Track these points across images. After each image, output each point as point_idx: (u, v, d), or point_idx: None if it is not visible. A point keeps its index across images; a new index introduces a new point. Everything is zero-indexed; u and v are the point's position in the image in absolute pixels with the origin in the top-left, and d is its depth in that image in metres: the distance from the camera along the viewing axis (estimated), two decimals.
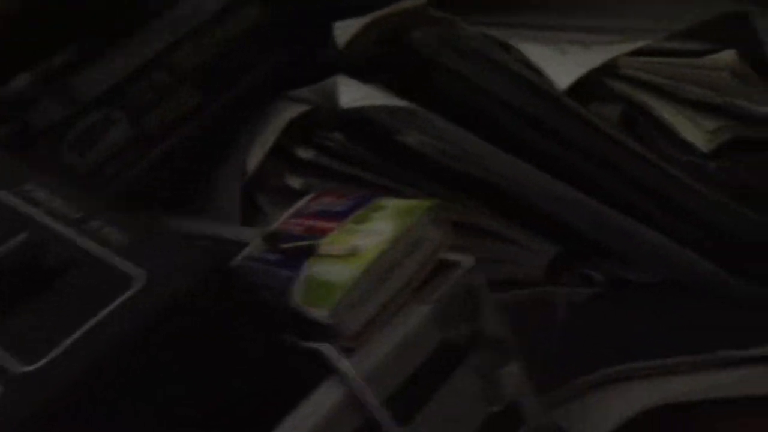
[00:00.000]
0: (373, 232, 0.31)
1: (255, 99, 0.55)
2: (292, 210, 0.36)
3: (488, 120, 0.49)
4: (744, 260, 0.52)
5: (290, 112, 0.52)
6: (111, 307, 0.28)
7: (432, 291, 0.30)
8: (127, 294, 0.28)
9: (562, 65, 0.44)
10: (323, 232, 0.33)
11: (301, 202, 0.36)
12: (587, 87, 0.48)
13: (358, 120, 0.49)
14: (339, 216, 0.33)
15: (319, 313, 0.30)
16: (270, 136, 0.51)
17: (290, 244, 0.33)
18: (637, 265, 0.53)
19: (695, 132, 0.41)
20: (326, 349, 0.28)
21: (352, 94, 0.43)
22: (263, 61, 0.56)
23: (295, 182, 0.49)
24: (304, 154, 0.49)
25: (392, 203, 0.32)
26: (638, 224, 0.49)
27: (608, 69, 0.44)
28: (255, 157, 0.50)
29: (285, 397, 0.29)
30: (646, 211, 0.50)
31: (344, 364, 0.28)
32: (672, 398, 0.40)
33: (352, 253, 0.30)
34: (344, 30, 0.50)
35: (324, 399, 0.28)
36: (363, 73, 0.49)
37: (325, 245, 0.32)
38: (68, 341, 0.26)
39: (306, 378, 0.30)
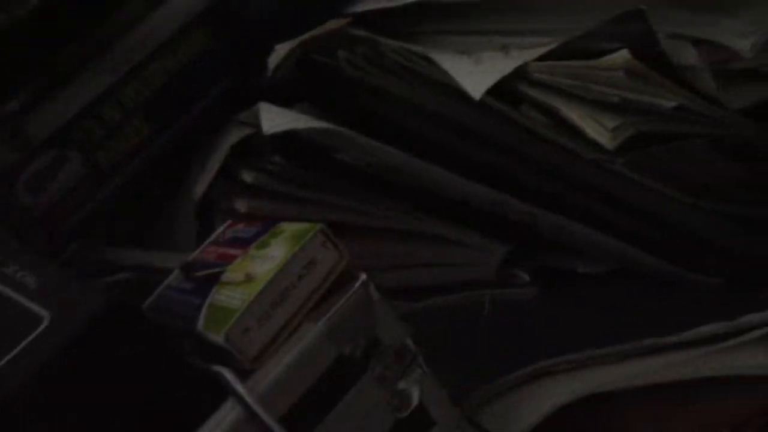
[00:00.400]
0: (269, 257, 0.33)
1: (206, 125, 0.57)
2: (211, 238, 0.38)
3: (419, 133, 0.50)
4: (685, 250, 0.53)
5: (234, 136, 0.53)
6: (18, 347, 0.30)
7: (326, 310, 0.32)
8: (33, 334, 0.30)
9: (475, 75, 0.45)
10: (231, 259, 0.35)
11: (218, 230, 0.38)
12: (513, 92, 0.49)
13: (297, 140, 0.51)
14: (245, 243, 0.35)
15: (217, 337, 0.31)
16: (215, 161, 0.53)
17: (202, 273, 0.35)
18: (586, 258, 0.55)
19: (599, 130, 0.42)
20: (225, 372, 0.30)
21: (274, 119, 0.44)
22: (213, 87, 0.58)
23: (241, 205, 0.51)
24: (247, 177, 0.51)
25: (290, 228, 0.34)
26: (571, 221, 0.50)
27: (520, 74, 0.45)
28: (201, 183, 0.52)
29: (192, 420, 0.31)
30: (584, 207, 0.51)
31: (239, 386, 0.29)
32: (593, 389, 0.41)
33: (247, 280, 0.32)
34: (277, 54, 0.52)
35: (222, 420, 0.30)
36: (293, 96, 0.51)
37: (228, 272, 0.33)
38: None
39: (213, 400, 0.31)
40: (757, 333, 0.44)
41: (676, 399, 0.42)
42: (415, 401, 0.34)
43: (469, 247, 0.53)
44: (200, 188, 0.52)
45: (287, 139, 0.50)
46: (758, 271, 0.51)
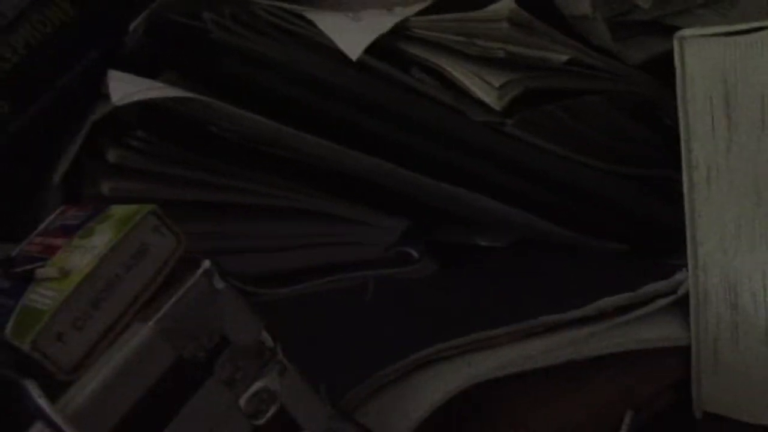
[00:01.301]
0: (91, 247, 0.28)
1: (74, 101, 0.51)
2: (40, 227, 0.32)
3: (297, 101, 0.45)
4: (587, 215, 0.49)
5: (98, 112, 0.48)
6: None
7: (160, 306, 0.27)
8: None
9: (353, 33, 0.40)
10: (54, 251, 0.29)
11: (49, 218, 0.32)
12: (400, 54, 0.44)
13: (164, 113, 0.45)
14: (71, 231, 0.30)
15: (24, 345, 0.26)
16: (77, 141, 0.47)
17: (20, 269, 0.29)
18: (488, 230, 0.51)
19: (486, 89, 0.37)
20: (29, 386, 0.25)
21: (125, 89, 0.39)
22: (78, 60, 0.52)
23: (104, 188, 0.45)
24: (111, 156, 0.46)
25: (119, 211, 0.28)
26: (467, 191, 0.45)
27: (402, 32, 0.40)
28: (62, 166, 0.46)
29: None
30: (479, 174, 0.47)
31: (45, 404, 0.24)
32: (483, 376, 0.36)
33: (63, 276, 0.27)
34: (140, 20, 0.46)
35: None
36: (161, 65, 0.46)
37: (46, 267, 0.28)
38: None
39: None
40: (661, 302, 0.40)
41: (570, 380, 0.37)
42: (274, 405, 0.29)
43: (363, 224, 0.48)
44: (60, 171, 0.46)
45: (153, 111, 0.45)
46: (664, 235, 0.48)
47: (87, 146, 0.45)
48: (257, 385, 0.28)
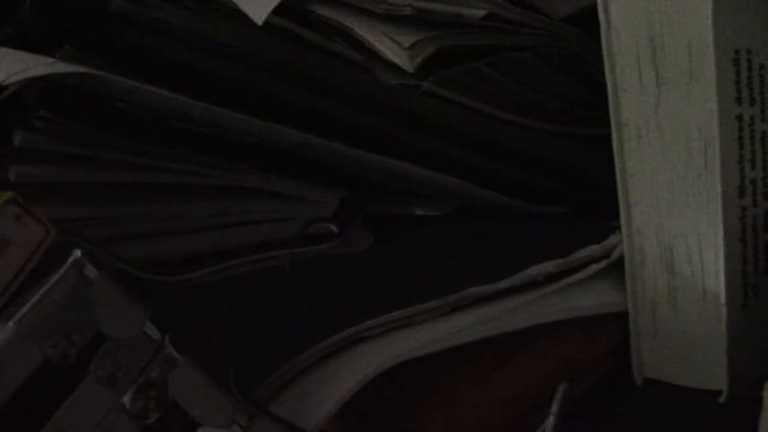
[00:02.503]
0: None
1: None
2: None
3: (204, 70, 0.42)
4: (522, 178, 0.46)
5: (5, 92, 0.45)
6: None
7: (23, 303, 0.24)
8: None
9: None
10: None
11: None
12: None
13: (67, 90, 0.42)
14: None
15: None
16: None
17: None
18: (423, 199, 0.48)
19: (396, 50, 0.34)
20: None
21: (10, 67, 0.36)
22: None
23: (11, 173, 0.43)
24: (16, 139, 0.43)
25: None
26: (394, 159, 0.43)
27: None
28: None
29: None
30: (405, 140, 0.44)
31: None
32: (408, 354, 0.33)
33: None
34: None
35: None
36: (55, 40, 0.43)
37: None
38: None
39: None
40: (595, 267, 0.38)
41: (502, 353, 0.34)
42: (164, 403, 0.27)
43: (295, 199, 0.46)
44: None
45: (56, 90, 0.42)
46: (604, 196, 0.46)
47: None
48: (142, 382, 0.26)
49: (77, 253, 0.24)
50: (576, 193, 0.45)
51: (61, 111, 0.40)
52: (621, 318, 0.37)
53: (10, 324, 0.23)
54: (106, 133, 0.41)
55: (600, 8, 0.35)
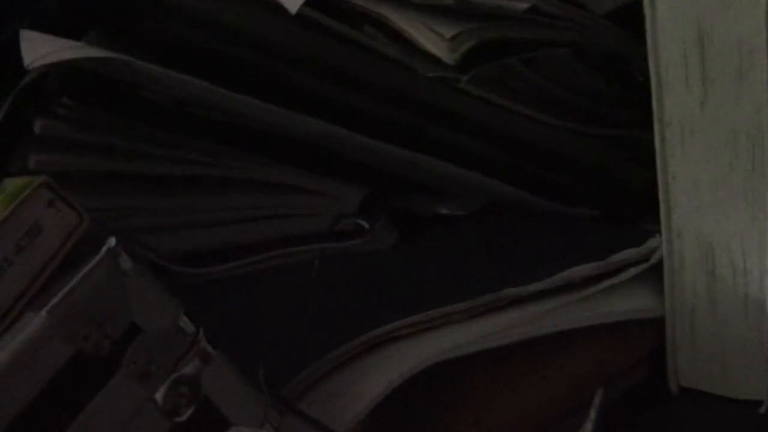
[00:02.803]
0: None
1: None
2: None
3: (233, 59, 0.41)
4: (552, 178, 0.45)
5: (27, 78, 0.44)
6: None
7: (55, 292, 0.23)
8: None
9: None
10: None
11: None
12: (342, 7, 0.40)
13: (90, 77, 0.41)
14: None
15: None
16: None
17: None
18: (448, 198, 0.47)
19: (436, 41, 0.33)
20: None
21: (36, 50, 0.34)
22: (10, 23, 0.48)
23: (31, 161, 0.41)
24: (37, 127, 0.42)
25: (12, 184, 0.25)
26: (422, 155, 0.42)
27: None
28: None
29: None
30: (435, 136, 0.43)
31: None
32: (441, 356, 0.32)
33: None
34: None
35: None
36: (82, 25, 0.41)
37: None
38: None
39: None
40: (633, 271, 0.37)
41: (535, 357, 0.33)
42: (198, 399, 0.25)
43: (318, 194, 0.44)
44: None
45: (78, 76, 0.40)
46: (634, 198, 0.44)
47: (16, 118, 0.42)
48: (175, 378, 0.25)
49: (112, 241, 0.23)
50: (604, 195, 0.44)
51: (83, 98, 0.40)
52: (659, 323, 0.36)
53: (42, 313, 0.22)
54: (128, 122, 0.40)
55: (646, 3, 0.34)
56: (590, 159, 0.43)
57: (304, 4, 0.36)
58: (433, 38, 0.32)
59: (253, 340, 0.32)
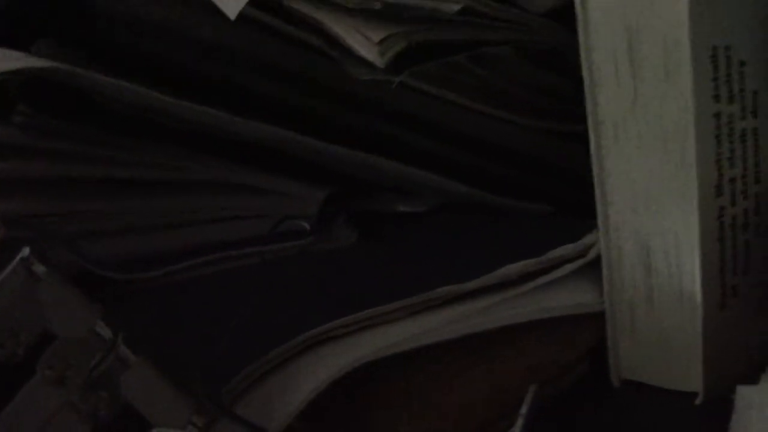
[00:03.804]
0: None
1: None
2: None
3: (174, 62, 0.41)
4: (504, 175, 0.45)
5: None
6: None
7: None
8: None
9: None
10: None
11: None
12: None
13: (47, 85, 0.42)
14: None
15: None
16: None
17: None
18: (410, 195, 0.47)
19: (366, 45, 0.33)
20: None
21: None
22: None
23: None
24: None
25: None
26: (364, 154, 0.42)
27: None
28: None
29: None
30: (383, 135, 0.43)
31: None
32: (373, 355, 0.32)
33: None
34: None
35: None
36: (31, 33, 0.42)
37: None
38: None
39: None
40: (569, 267, 0.37)
41: (473, 354, 0.33)
42: (115, 404, 0.26)
43: (285, 195, 0.45)
44: None
45: (34, 84, 0.41)
46: (588, 194, 0.45)
47: None
48: (93, 382, 0.25)
49: (26, 250, 0.24)
50: (561, 190, 0.44)
51: (39, 105, 0.40)
52: (598, 319, 0.37)
53: None
54: (83, 128, 0.40)
55: (576, 2, 0.34)
56: (544, 154, 0.43)
57: (250, 6, 0.36)
58: (363, 42, 0.32)
59: (194, 344, 0.33)
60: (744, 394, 0.30)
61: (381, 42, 0.32)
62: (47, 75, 0.37)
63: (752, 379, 0.31)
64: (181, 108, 0.38)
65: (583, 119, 0.42)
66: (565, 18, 0.37)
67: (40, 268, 0.23)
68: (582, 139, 0.42)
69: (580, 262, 0.35)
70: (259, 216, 0.43)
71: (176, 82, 0.39)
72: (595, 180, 0.35)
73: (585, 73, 0.34)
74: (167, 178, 0.41)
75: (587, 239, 0.36)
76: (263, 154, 0.42)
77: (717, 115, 0.33)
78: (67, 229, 0.37)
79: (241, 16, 0.37)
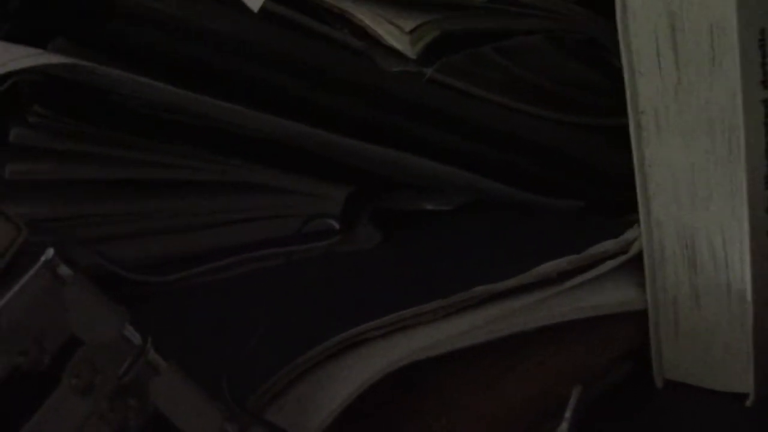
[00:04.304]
0: None
1: None
2: None
3: (195, 59, 0.40)
4: (535, 170, 0.44)
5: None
6: None
7: None
8: None
9: None
10: None
11: None
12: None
13: (62, 84, 0.41)
14: None
15: None
16: None
17: None
18: (434, 193, 0.46)
19: (396, 34, 0.32)
20: None
21: None
22: None
23: (6, 171, 0.41)
24: (11, 136, 0.41)
25: None
26: (398, 152, 0.40)
27: None
28: None
29: None
30: (410, 132, 0.42)
31: None
32: (410, 357, 0.30)
33: None
34: None
35: None
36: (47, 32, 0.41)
37: None
38: None
39: None
40: (610, 264, 0.35)
41: (512, 355, 0.32)
42: (145, 412, 0.25)
43: (308, 194, 0.44)
44: None
45: (49, 84, 0.40)
46: (622, 188, 0.43)
47: None
48: (122, 390, 0.24)
49: (50, 252, 0.22)
50: (592, 186, 0.42)
51: (54, 106, 0.39)
52: (640, 317, 0.35)
53: None
54: (101, 128, 0.39)
55: None
56: (574, 149, 0.42)
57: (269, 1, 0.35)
58: (394, 32, 0.31)
59: (224, 348, 0.32)
60: None
61: (412, 31, 0.30)
62: (67, 72, 0.36)
63: None
64: (200, 103, 0.36)
65: (615, 112, 0.41)
66: (602, 4, 0.36)
67: (65, 271, 0.22)
68: (615, 134, 0.41)
69: (622, 258, 0.34)
70: (281, 216, 0.42)
71: (195, 79, 0.38)
72: (636, 172, 0.34)
73: (624, 61, 0.33)
74: (186, 178, 0.40)
75: (629, 234, 0.34)
76: (285, 153, 0.41)
77: (765, 102, 0.32)
78: (86, 233, 0.35)
79: (263, 9, 0.36)
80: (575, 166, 0.42)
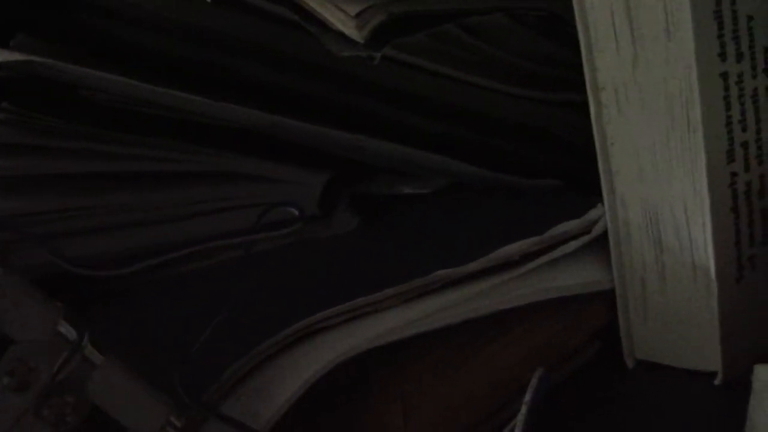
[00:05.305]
0: None
1: None
2: None
3: (160, 52, 0.39)
4: (508, 150, 0.43)
5: None
6: None
7: None
8: None
9: None
10: None
11: None
12: None
13: (30, 80, 0.40)
14: None
15: None
16: None
17: None
18: (414, 177, 0.45)
19: (343, 19, 0.32)
20: None
21: None
22: None
23: None
24: None
25: None
26: (366, 137, 0.40)
27: None
28: None
29: None
30: (375, 114, 0.41)
31: None
32: (369, 343, 0.30)
33: None
34: None
35: None
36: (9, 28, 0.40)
37: None
38: None
39: None
40: (573, 244, 0.35)
41: (474, 340, 0.31)
42: (82, 408, 0.25)
43: (286, 181, 0.43)
44: None
45: (15, 80, 0.40)
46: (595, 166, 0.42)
47: None
48: (58, 387, 0.24)
49: None
50: (567, 164, 0.41)
51: (23, 102, 0.39)
52: (607, 297, 0.34)
53: None
54: (70, 123, 0.39)
55: None
56: (550, 126, 0.41)
57: None
58: (340, 16, 0.30)
59: (179, 342, 0.31)
60: (762, 374, 0.28)
61: (358, 15, 0.30)
62: (23, 69, 0.36)
63: None
64: (165, 96, 0.36)
65: (584, 88, 0.40)
66: None
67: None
68: (586, 109, 0.40)
69: (586, 238, 0.33)
70: (248, 206, 0.42)
71: (157, 70, 0.38)
72: (598, 149, 0.33)
73: (581, 37, 0.31)
74: (157, 169, 0.39)
75: (592, 214, 0.33)
76: (261, 141, 0.40)
77: (724, 75, 0.30)
78: (52, 227, 0.35)
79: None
80: (552, 145, 0.40)
